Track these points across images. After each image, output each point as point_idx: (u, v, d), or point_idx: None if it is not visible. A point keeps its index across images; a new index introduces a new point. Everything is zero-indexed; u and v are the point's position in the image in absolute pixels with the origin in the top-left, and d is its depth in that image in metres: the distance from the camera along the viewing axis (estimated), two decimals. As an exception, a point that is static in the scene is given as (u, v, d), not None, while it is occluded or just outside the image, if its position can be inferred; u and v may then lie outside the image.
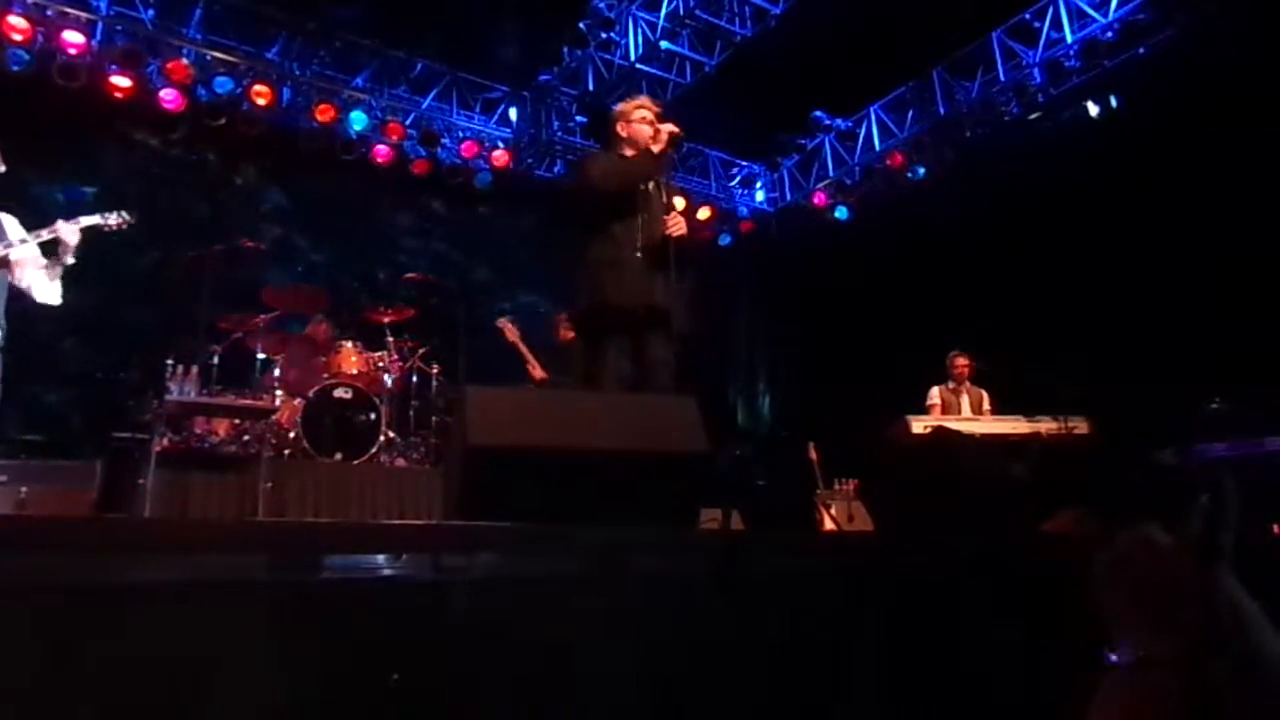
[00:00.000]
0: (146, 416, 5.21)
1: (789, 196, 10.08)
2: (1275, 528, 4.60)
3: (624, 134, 3.79)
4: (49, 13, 6.58)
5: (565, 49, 7.87)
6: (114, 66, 6.88)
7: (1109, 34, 7.04)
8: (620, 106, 3.88)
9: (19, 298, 4.00)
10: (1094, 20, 7.11)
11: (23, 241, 3.92)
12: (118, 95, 6.98)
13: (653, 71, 7.82)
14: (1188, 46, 6.66)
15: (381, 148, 8.01)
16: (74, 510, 4.57)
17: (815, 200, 9.62)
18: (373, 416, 5.78)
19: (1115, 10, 6.98)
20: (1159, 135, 6.63)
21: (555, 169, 8.95)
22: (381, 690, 1.26)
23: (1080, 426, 5.97)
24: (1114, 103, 7.31)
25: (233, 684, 1.20)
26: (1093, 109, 7.40)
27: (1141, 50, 6.94)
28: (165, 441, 5.13)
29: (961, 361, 6.97)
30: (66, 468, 4.98)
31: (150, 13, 7.05)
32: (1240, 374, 5.60)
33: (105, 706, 1.12)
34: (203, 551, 1.26)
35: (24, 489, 4.58)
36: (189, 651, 1.18)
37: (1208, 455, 5.36)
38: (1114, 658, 0.82)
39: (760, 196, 10.34)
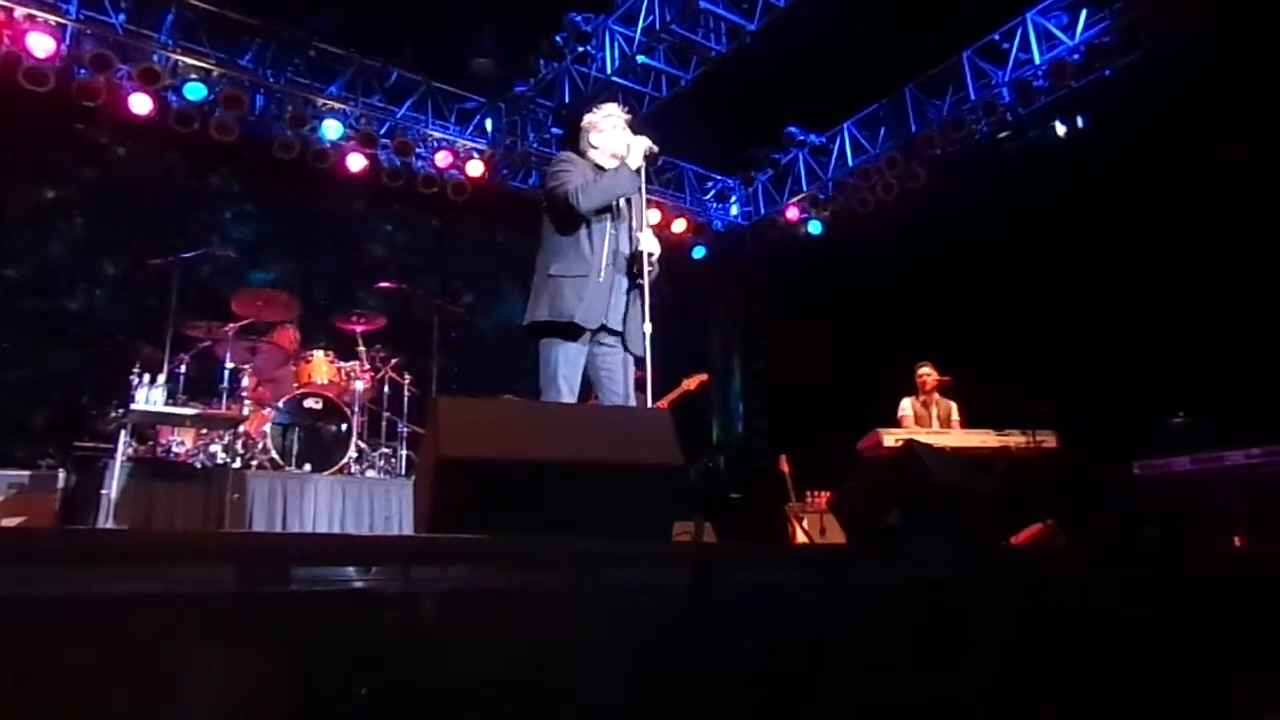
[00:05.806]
0: (111, 426, 5.13)
1: (763, 210, 10.16)
2: (1235, 539, 4.70)
3: (596, 144, 3.79)
4: (16, 15, 6.47)
5: (541, 61, 7.89)
6: (83, 71, 6.78)
7: (1075, 56, 7.20)
8: (588, 118, 3.87)
9: None
10: (1061, 42, 7.27)
11: None
12: (86, 100, 6.87)
13: (629, 85, 7.86)
14: (1151, 69, 6.83)
15: (355, 157, 7.96)
16: (35, 520, 4.48)
17: (788, 214, 9.71)
18: (343, 427, 5.73)
19: (1082, 33, 7.14)
20: (1123, 155, 6.80)
21: (530, 180, 8.94)
22: (349, 705, 1.25)
23: (1048, 440, 6.07)
24: (1080, 122, 7.48)
25: (196, 699, 1.18)
26: (1060, 128, 7.57)
27: (1107, 72, 7.12)
28: (130, 451, 5.04)
29: (925, 372, 6.91)
30: (28, 477, 4.88)
31: (121, 17, 6.94)
32: (1203, 389, 5.72)
33: (65, 722, 1.10)
34: (167, 563, 1.24)
35: (-17, 499, 4.48)
36: (152, 665, 1.16)
37: (1171, 468, 5.47)
38: None
39: (734, 210, 10.41)
